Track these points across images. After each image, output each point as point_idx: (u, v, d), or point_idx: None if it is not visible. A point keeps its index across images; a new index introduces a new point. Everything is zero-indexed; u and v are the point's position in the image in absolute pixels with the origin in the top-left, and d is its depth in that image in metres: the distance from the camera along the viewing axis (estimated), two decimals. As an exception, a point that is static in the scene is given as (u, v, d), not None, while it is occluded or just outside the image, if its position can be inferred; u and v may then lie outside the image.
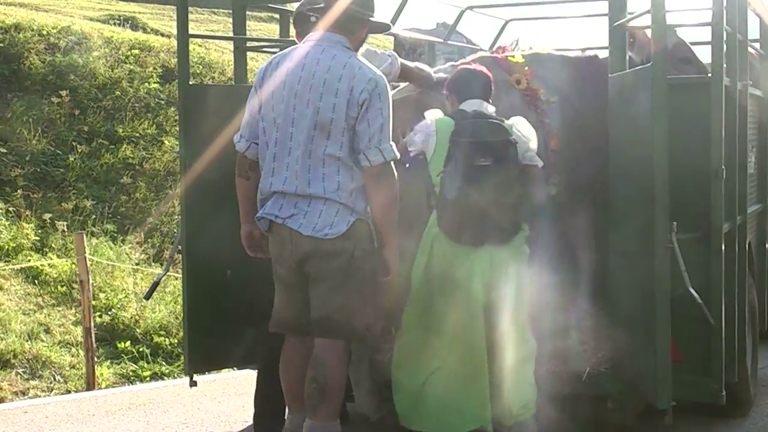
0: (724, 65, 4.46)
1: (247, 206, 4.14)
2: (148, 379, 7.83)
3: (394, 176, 3.94)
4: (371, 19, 4.07)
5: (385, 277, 4.00)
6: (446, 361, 4.29)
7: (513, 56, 5.10)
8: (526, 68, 5.02)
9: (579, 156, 4.93)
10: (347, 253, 3.88)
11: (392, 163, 3.92)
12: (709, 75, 4.47)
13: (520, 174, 4.33)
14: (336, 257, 3.87)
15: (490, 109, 4.43)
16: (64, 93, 11.20)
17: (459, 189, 4.18)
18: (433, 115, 4.43)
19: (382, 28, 4.26)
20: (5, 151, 10.32)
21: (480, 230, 4.21)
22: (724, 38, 4.47)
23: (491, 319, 4.26)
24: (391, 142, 3.91)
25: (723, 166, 4.35)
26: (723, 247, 4.36)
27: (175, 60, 11.15)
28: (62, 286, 8.84)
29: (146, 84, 12.23)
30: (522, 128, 4.41)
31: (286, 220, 3.91)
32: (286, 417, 4.23)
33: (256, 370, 4.81)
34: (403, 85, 4.93)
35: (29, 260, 9.00)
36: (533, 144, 4.42)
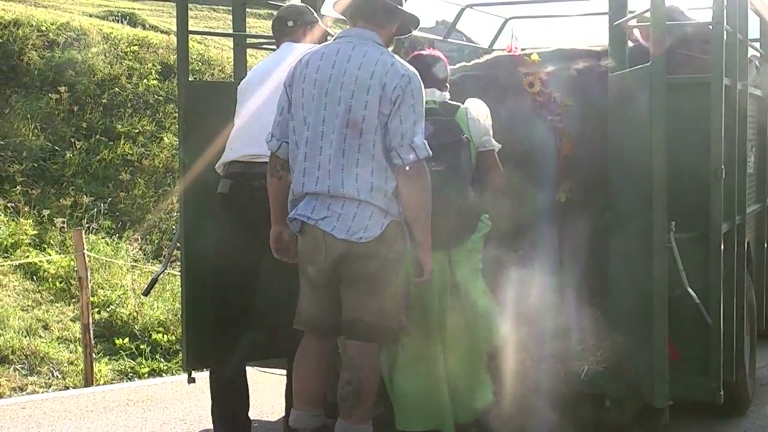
0: (724, 65, 4.45)
1: (278, 207, 4.06)
2: (146, 375, 7.83)
3: (427, 175, 3.85)
4: (401, 8, 3.96)
5: (418, 277, 3.95)
6: (410, 359, 4.29)
7: (530, 55, 5.02)
8: (542, 69, 4.93)
9: (598, 159, 4.79)
10: (381, 257, 3.82)
11: (424, 161, 3.83)
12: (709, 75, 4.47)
13: (477, 163, 4.27)
14: (370, 261, 3.81)
15: (445, 96, 4.35)
16: (62, 89, 11.17)
17: None
18: None
19: (412, 24, 4.10)
20: (4, 145, 10.31)
21: (436, 235, 4.04)
22: (725, 38, 4.47)
23: (450, 319, 4.27)
24: (424, 140, 3.82)
25: (722, 166, 4.35)
26: (722, 247, 4.36)
27: (175, 57, 11.15)
28: (60, 283, 8.83)
29: (145, 80, 12.21)
30: (477, 111, 4.32)
31: (319, 222, 3.83)
32: (291, 412, 4.15)
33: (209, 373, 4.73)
34: None
35: (28, 256, 8.99)
36: (488, 123, 4.33)
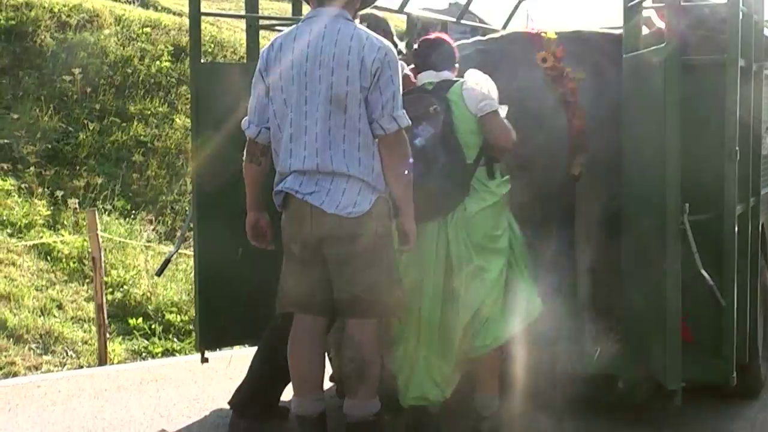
0: (740, 46, 4.42)
1: (255, 193, 4.08)
2: (159, 355, 7.86)
3: (407, 144, 3.92)
4: None
5: (404, 246, 3.97)
6: (416, 330, 4.26)
7: (546, 32, 5.02)
8: (558, 46, 4.93)
9: (611, 134, 4.73)
10: (371, 232, 3.84)
11: (404, 131, 3.89)
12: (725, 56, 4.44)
13: (481, 127, 4.26)
14: (360, 238, 3.83)
15: (446, 75, 4.34)
16: (75, 71, 11.20)
17: None
18: None
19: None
20: (17, 126, 10.34)
21: (434, 204, 4.09)
22: (740, 18, 4.44)
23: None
24: (403, 110, 3.88)
25: (737, 148, 4.33)
26: (736, 229, 4.35)
27: (187, 38, 11.16)
28: (74, 263, 8.87)
29: (157, 62, 12.22)
30: (474, 80, 4.31)
31: (307, 196, 3.85)
32: (291, 399, 4.13)
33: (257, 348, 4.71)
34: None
35: (41, 237, 9.04)
36: (487, 91, 4.30)
